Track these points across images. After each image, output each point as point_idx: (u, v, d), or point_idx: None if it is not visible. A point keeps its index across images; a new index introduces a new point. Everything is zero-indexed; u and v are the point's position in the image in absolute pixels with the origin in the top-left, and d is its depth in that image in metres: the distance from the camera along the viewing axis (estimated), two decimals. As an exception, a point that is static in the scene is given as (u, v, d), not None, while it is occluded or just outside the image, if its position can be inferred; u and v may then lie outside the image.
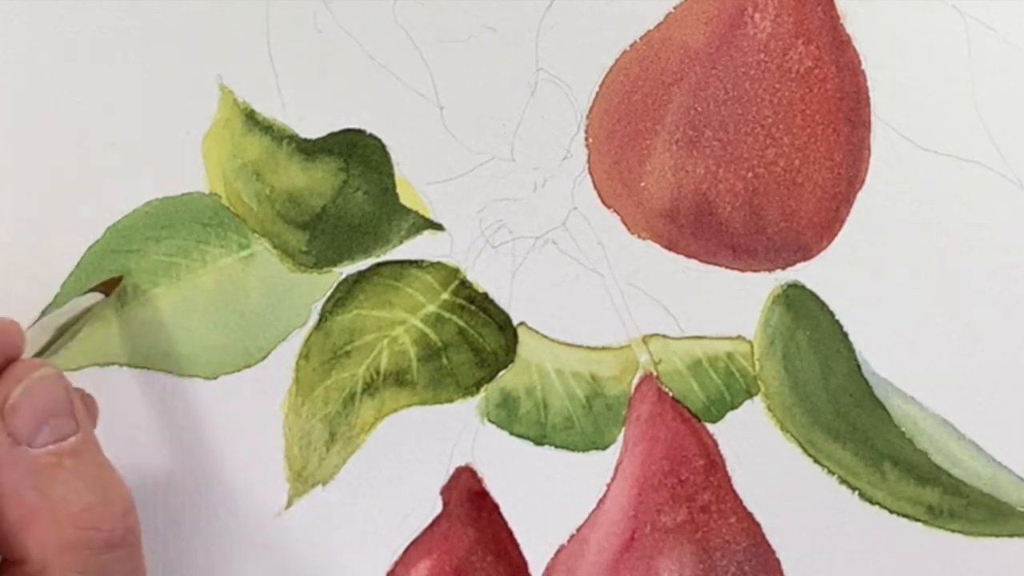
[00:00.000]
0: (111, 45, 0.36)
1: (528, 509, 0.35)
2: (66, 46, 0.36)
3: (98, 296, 0.35)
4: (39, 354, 0.31)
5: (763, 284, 0.35)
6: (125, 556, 0.27)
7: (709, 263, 0.35)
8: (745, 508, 0.35)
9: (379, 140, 0.36)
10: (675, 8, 0.36)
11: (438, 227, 0.36)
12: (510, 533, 0.35)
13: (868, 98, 0.35)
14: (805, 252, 0.35)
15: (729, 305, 0.35)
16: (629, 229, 0.36)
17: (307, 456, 0.35)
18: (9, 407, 0.27)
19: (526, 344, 0.35)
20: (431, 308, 0.36)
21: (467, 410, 0.35)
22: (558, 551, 0.35)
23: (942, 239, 0.35)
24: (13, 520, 0.26)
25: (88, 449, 0.28)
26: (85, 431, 0.28)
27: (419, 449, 0.35)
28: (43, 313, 0.34)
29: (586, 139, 0.36)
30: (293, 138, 0.36)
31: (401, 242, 0.36)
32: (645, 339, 0.35)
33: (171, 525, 0.35)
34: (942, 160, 0.35)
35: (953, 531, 0.35)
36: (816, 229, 0.35)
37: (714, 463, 0.35)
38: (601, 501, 0.35)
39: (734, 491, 0.35)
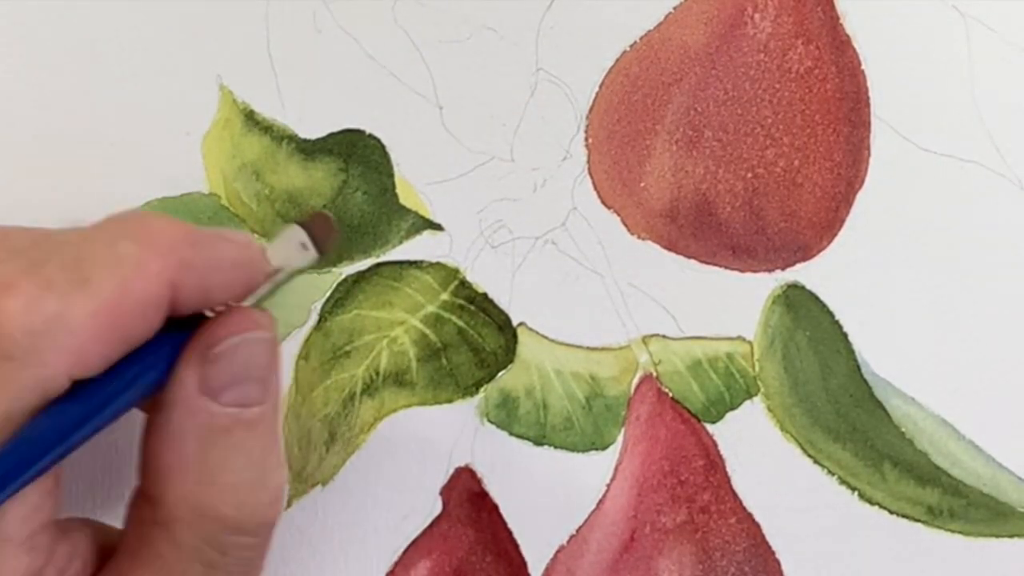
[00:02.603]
0: (111, 45, 0.36)
1: (528, 509, 0.35)
2: (66, 46, 0.36)
3: (312, 256, 0.30)
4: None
5: (763, 284, 0.35)
6: (251, 544, 0.26)
7: (709, 263, 0.35)
8: (745, 508, 0.35)
9: (379, 140, 0.36)
10: (675, 8, 0.36)
11: (438, 227, 0.36)
12: (510, 533, 0.35)
13: (868, 98, 0.35)
14: (805, 252, 0.35)
15: (729, 305, 0.35)
16: (629, 229, 0.36)
17: (307, 456, 0.35)
18: (213, 354, 0.25)
19: (526, 344, 0.35)
20: (431, 308, 0.36)
21: (467, 410, 0.35)
22: (558, 551, 0.35)
23: (942, 239, 0.35)
24: (165, 462, 0.25)
25: (265, 425, 0.26)
26: (271, 406, 0.27)
27: (419, 449, 0.35)
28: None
29: (586, 139, 0.36)
30: (293, 138, 0.36)
31: (401, 242, 0.36)
32: (645, 339, 0.35)
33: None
34: (942, 160, 0.35)
35: (953, 531, 0.35)
36: (816, 229, 0.35)
37: (714, 463, 0.35)
38: (601, 501, 0.35)
39: (734, 491, 0.35)
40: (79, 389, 0.24)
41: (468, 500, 0.35)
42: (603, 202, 0.36)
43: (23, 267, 0.24)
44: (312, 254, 0.30)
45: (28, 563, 0.24)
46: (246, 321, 0.26)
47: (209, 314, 0.27)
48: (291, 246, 0.29)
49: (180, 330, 0.26)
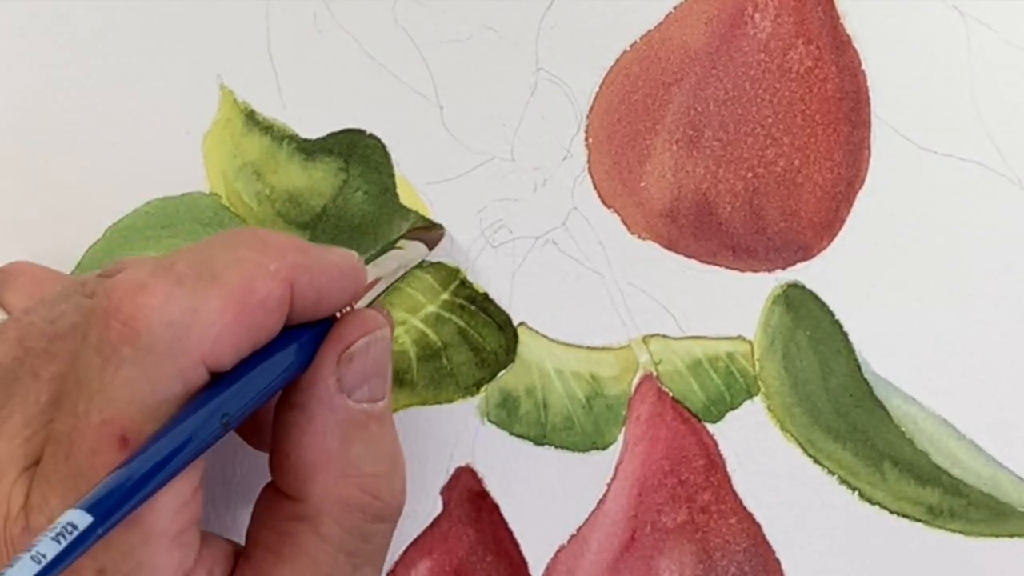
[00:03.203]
0: (111, 45, 0.36)
1: (528, 509, 0.35)
2: (66, 46, 0.36)
3: (423, 250, 0.34)
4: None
5: (763, 284, 0.35)
6: (386, 531, 0.28)
7: (709, 263, 0.35)
8: (745, 508, 0.35)
9: (379, 140, 0.36)
10: (675, 8, 0.36)
11: (438, 227, 0.36)
12: (510, 533, 0.35)
13: (868, 98, 0.35)
14: (805, 252, 0.35)
15: (729, 305, 0.35)
16: (629, 229, 0.36)
17: (307, 456, 0.35)
18: (347, 355, 0.27)
19: (526, 344, 0.35)
20: (431, 308, 0.36)
21: (467, 410, 0.35)
22: (558, 551, 0.35)
23: (942, 239, 0.35)
24: (308, 460, 0.27)
25: (389, 418, 0.28)
26: (389, 400, 0.28)
27: (419, 449, 0.35)
28: (369, 259, 0.33)
29: (586, 139, 0.36)
30: (293, 138, 0.36)
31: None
32: (645, 339, 0.35)
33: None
34: (942, 160, 0.35)
35: (953, 531, 0.35)
36: (816, 229, 0.35)
37: (714, 463, 0.35)
38: (601, 501, 0.35)
39: (734, 491, 0.35)
40: (216, 382, 0.25)
41: (468, 500, 0.35)
42: (603, 202, 0.36)
43: (153, 269, 0.25)
44: (423, 250, 0.34)
45: (180, 559, 0.25)
46: (372, 321, 0.28)
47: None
48: (407, 253, 0.33)
49: (304, 332, 0.27)
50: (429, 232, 0.35)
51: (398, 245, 0.34)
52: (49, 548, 0.21)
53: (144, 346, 0.24)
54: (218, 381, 0.25)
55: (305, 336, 0.27)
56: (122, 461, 0.23)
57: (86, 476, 0.24)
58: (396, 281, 0.33)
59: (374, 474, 0.27)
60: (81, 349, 0.25)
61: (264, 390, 0.26)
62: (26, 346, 0.27)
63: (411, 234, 0.35)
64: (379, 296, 0.32)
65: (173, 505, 0.25)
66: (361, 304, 0.30)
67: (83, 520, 0.21)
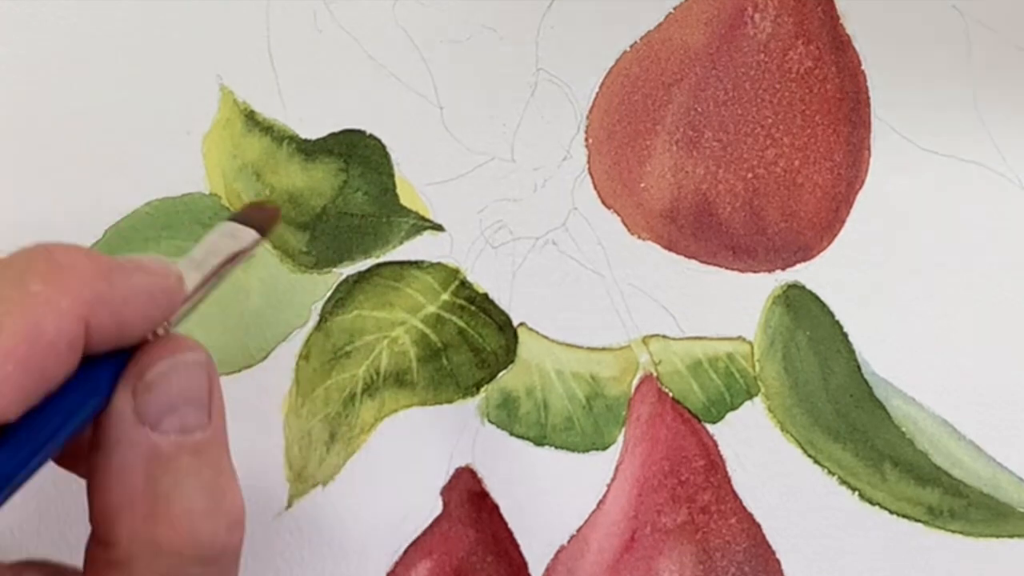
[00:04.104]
0: (111, 45, 0.36)
1: (528, 509, 0.35)
2: (66, 46, 0.36)
3: (253, 236, 0.30)
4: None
5: (763, 284, 0.35)
6: (217, 572, 0.25)
7: (709, 263, 0.35)
8: (745, 508, 0.35)
9: (379, 140, 0.36)
10: (675, 8, 0.36)
11: (438, 227, 0.36)
12: (510, 533, 0.35)
13: (868, 98, 0.35)
14: (805, 252, 0.35)
15: (729, 305, 0.35)
16: (629, 229, 0.36)
17: (307, 456, 0.35)
18: (144, 384, 0.25)
19: (526, 344, 0.35)
20: (431, 309, 0.36)
21: (467, 410, 0.35)
22: (558, 551, 0.35)
23: (942, 239, 0.35)
24: (112, 501, 0.24)
25: (212, 449, 0.25)
26: (215, 429, 0.26)
27: (419, 449, 0.35)
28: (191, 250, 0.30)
29: (586, 139, 0.36)
30: (293, 138, 0.36)
31: (401, 243, 0.36)
32: (645, 339, 0.35)
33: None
34: (942, 160, 0.35)
35: (953, 531, 0.35)
36: (816, 229, 0.35)
37: (714, 463, 0.35)
38: (601, 501, 0.35)
39: (734, 491, 0.35)
40: (3, 435, 0.23)
41: (468, 500, 0.35)
42: (603, 202, 0.36)
43: None
44: (252, 235, 0.29)
45: None
46: (174, 346, 0.25)
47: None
48: (223, 239, 0.29)
49: (104, 364, 0.25)
50: (260, 213, 0.31)
51: (224, 233, 0.29)
52: None
53: None
54: (6, 430, 0.23)
55: (105, 367, 0.25)
56: None
57: None
58: (223, 274, 0.29)
59: (188, 512, 0.24)
60: None
61: (60, 433, 0.24)
62: None
63: (241, 215, 0.30)
64: (202, 297, 0.28)
65: None
66: (185, 309, 0.27)
67: None
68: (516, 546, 0.35)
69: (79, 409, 0.24)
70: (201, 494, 0.25)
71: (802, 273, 0.35)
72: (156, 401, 0.25)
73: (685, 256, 0.35)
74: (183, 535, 0.24)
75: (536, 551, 0.35)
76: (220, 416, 0.26)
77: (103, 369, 0.24)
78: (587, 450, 0.35)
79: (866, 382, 0.35)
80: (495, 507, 0.35)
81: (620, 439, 0.35)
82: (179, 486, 0.24)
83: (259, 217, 0.30)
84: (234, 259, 0.29)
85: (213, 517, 0.25)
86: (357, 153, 0.36)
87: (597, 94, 0.36)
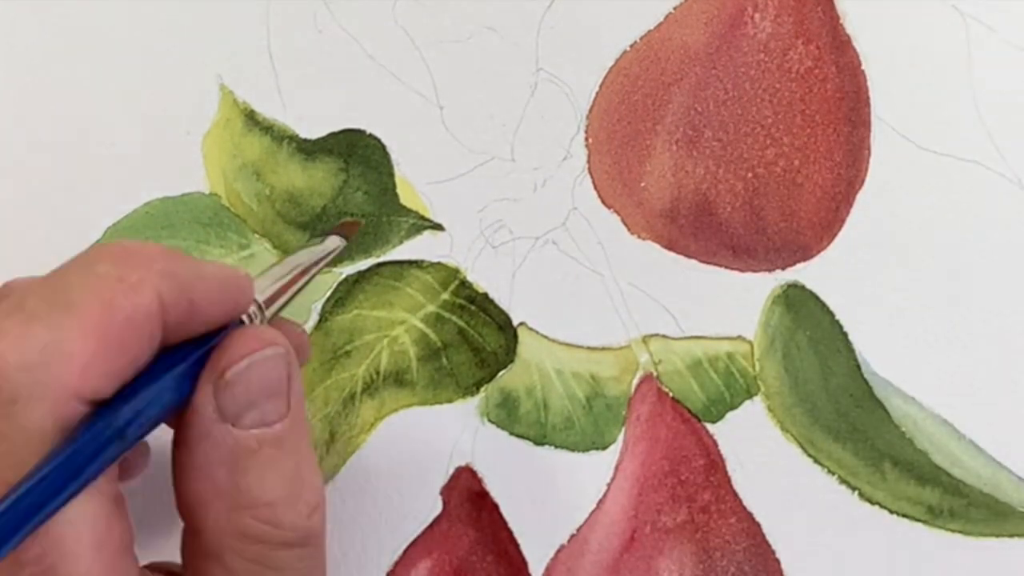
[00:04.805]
0: (111, 45, 0.36)
1: (528, 509, 0.35)
2: (66, 46, 0.36)
3: (339, 241, 0.33)
4: (270, 304, 0.29)
5: (763, 284, 0.35)
6: (304, 555, 0.26)
7: (709, 263, 0.35)
8: (745, 508, 0.35)
9: (379, 140, 0.36)
10: (675, 8, 0.36)
11: (438, 227, 0.36)
12: (510, 533, 0.35)
13: (868, 98, 0.35)
14: (805, 252, 0.35)
15: (729, 305, 0.35)
16: (629, 229, 0.36)
17: (307, 456, 0.35)
18: (224, 382, 0.25)
19: (526, 344, 0.35)
20: (431, 308, 0.36)
21: (467, 410, 0.35)
22: (558, 551, 0.35)
23: (942, 239, 0.35)
24: (197, 493, 0.25)
25: (292, 438, 0.26)
26: (295, 418, 0.26)
27: (419, 449, 0.35)
28: (272, 266, 0.31)
29: (586, 139, 0.36)
30: (293, 138, 0.36)
31: (401, 242, 0.36)
32: (645, 339, 0.35)
33: (171, 524, 0.35)
34: (942, 160, 0.35)
35: (953, 531, 0.35)
36: (816, 229, 0.35)
37: (714, 463, 0.35)
38: (601, 501, 0.35)
39: (734, 491, 0.35)
40: (100, 411, 0.24)
41: (468, 500, 0.35)
42: (603, 202, 0.36)
43: (5, 311, 0.23)
44: (337, 239, 0.32)
45: None
46: (253, 341, 0.26)
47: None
48: (308, 248, 0.31)
49: (185, 357, 0.26)
50: (347, 227, 0.34)
51: (310, 243, 0.33)
52: None
53: (5, 399, 0.22)
54: (105, 407, 0.24)
55: (187, 360, 0.26)
56: None
57: None
58: (309, 279, 0.31)
59: (269, 502, 0.25)
60: None
61: (155, 412, 0.25)
62: None
63: (331, 230, 0.34)
64: (289, 300, 0.30)
65: (87, 543, 0.24)
66: (272, 310, 0.29)
67: None
68: (516, 546, 0.35)
69: (163, 397, 0.25)
70: (282, 484, 0.26)
71: (802, 273, 0.35)
72: (236, 398, 0.25)
73: (685, 256, 0.35)
74: (268, 524, 0.25)
75: (536, 551, 0.35)
76: (299, 402, 0.27)
77: (185, 362, 0.25)
78: (587, 450, 0.35)
79: (866, 382, 0.35)
80: (495, 507, 0.35)
81: (620, 439, 0.35)
82: (261, 478, 0.25)
83: (343, 228, 0.34)
84: (320, 262, 0.31)
85: (294, 505, 0.26)
86: (357, 153, 0.36)
87: (597, 94, 0.36)
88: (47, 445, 0.23)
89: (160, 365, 0.25)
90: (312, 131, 0.36)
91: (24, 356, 0.23)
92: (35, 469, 0.23)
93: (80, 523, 0.23)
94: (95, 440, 0.23)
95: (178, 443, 0.26)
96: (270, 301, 0.29)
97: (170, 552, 0.28)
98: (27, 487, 0.22)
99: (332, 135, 0.36)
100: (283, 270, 0.30)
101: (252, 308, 0.28)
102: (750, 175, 0.35)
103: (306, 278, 0.31)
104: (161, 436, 0.28)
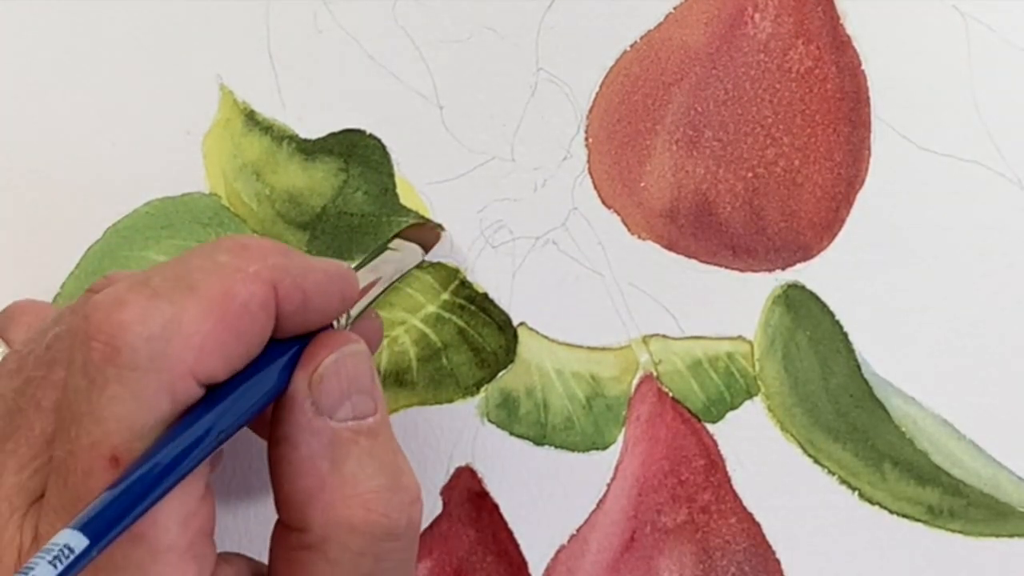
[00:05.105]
0: (111, 45, 0.36)
1: (528, 509, 0.35)
2: (66, 46, 0.36)
3: (420, 254, 0.34)
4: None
5: (763, 284, 0.35)
6: (403, 547, 0.27)
7: (709, 263, 0.35)
8: (745, 508, 0.35)
9: (379, 140, 0.36)
10: (675, 8, 0.36)
11: (438, 227, 0.36)
12: (510, 533, 0.35)
13: (868, 98, 0.35)
14: (805, 252, 0.35)
15: (729, 305, 0.35)
16: (629, 229, 0.36)
17: (307, 456, 0.35)
18: (318, 376, 0.26)
19: (526, 344, 0.35)
20: (431, 308, 0.36)
21: (467, 410, 0.35)
22: (558, 551, 0.35)
23: (942, 239, 0.35)
24: (303, 488, 0.26)
25: (384, 432, 0.27)
26: (382, 414, 0.27)
27: (419, 449, 0.35)
28: (359, 265, 0.33)
29: (586, 139, 0.36)
30: (293, 138, 0.36)
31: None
32: (645, 339, 0.35)
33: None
34: (942, 160, 0.35)
35: (953, 531, 0.35)
36: (816, 229, 0.35)
37: (714, 463, 0.35)
38: (601, 501, 0.35)
39: (734, 491, 0.35)
40: (213, 394, 0.25)
41: (468, 500, 0.35)
42: (603, 202, 0.36)
43: (130, 284, 0.24)
44: (416, 250, 0.34)
45: (196, 571, 0.25)
46: (338, 338, 0.27)
47: None
48: (402, 255, 0.33)
49: (292, 346, 0.27)
50: (424, 231, 0.35)
51: (392, 247, 0.34)
52: (46, 572, 0.20)
53: (126, 364, 0.23)
54: (213, 393, 0.25)
55: (289, 348, 0.27)
56: (114, 480, 0.23)
57: (83, 500, 0.23)
58: (393, 284, 0.33)
59: (374, 489, 0.26)
60: (69, 373, 0.25)
61: (255, 403, 0.26)
62: (26, 376, 0.27)
63: (407, 233, 0.35)
64: (374, 301, 0.31)
65: (176, 518, 0.24)
66: (356, 310, 0.30)
67: (78, 541, 0.21)
68: (516, 546, 0.35)
69: (273, 383, 0.26)
70: (383, 473, 0.26)
71: (802, 273, 0.35)
72: (331, 391, 0.26)
73: (685, 256, 0.35)
74: (374, 513, 0.26)
75: (536, 551, 0.35)
76: (383, 402, 0.28)
77: (285, 355, 0.26)
78: (587, 450, 0.35)
79: (866, 382, 0.35)
80: (495, 507, 0.35)
81: (620, 439, 0.35)
82: (363, 468, 0.26)
83: (422, 235, 0.35)
84: (399, 273, 0.33)
85: (397, 493, 0.26)
86: (357, 153, 0.36)
87: (597, 94, 0.36)
88: (159, 417, 0.24)
89: (264, 358, 0.26)
90: (312, 131, 0.36)
91: (147, 328, 0.24)
92: (148, 452, 0.23)
93: (173, 498, 0.24)
94: (204, 425, 0.24)
95: (276, 441, 0.27)
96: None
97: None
98: (141, 471, 0.23)
99: (332, 135, 0.36)
100: (365, 277, 0.31)
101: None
102: (750, 175, 0.35)
103: (384, 286, 0.32)
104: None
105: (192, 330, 0.24)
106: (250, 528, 0.35)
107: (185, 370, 0.24)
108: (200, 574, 0.25)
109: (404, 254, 0.34)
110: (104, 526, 0.22)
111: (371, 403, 0.27)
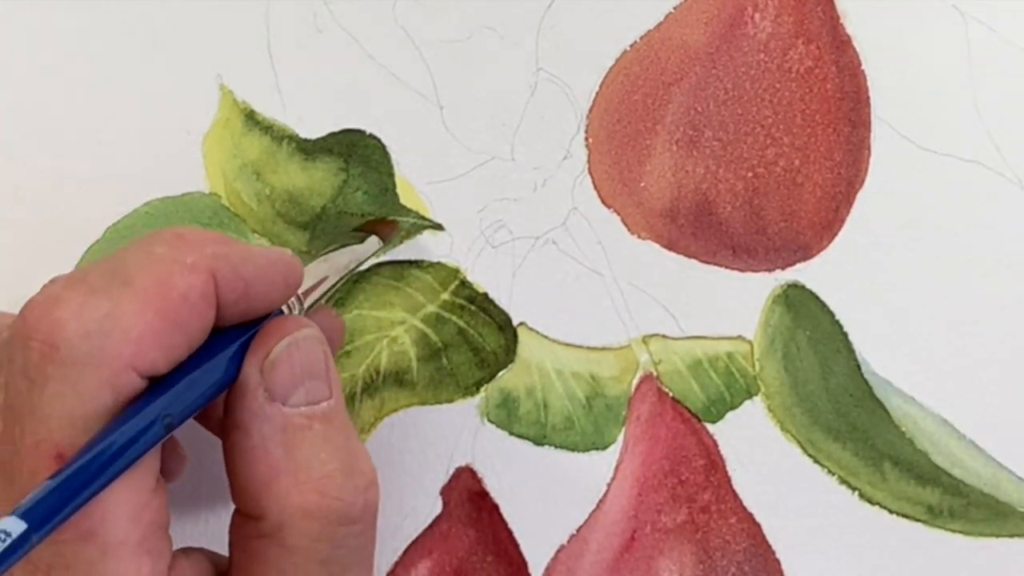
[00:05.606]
0: (111, 45, 0.36)
1: (528, 509, 0.35)
2: (66, 46, 0.36)
3: (377, 243, 0.34)
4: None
5: (763, 284, 0.35)
6: (360, 531, 0.27)
7: (709, 263, 0.35)
8: (745, 508, 0.35)
9: (379, 140, 0.36)
10: (675, 8, 0.36)
11: (438, 227, 0.36)
12: (510, 533, 0.35)
13: (868, 98, 0.35)
14: (805, 252, 0.35)
15: (729, 305, 0.35)
16: (629, 229, 0.36)
17: (307, 456, 0.35)
18: (269, 362, 0.26)
19: (526, 344, 0.35)
20: (431, 308, 0.36)
21: (467, 410, 0.35)
22: (558, 551, 0.35)
23: (942, 239, 0.35)
24: (257, 475, 0.26)
25: (338, 417, 0.27)
26: (337, 399, 0.27)
27: (419, 449, 0.35)
28: (314, 256, 0.33)
29: (586, 139, 0.36)
30: (293, 138, 0.36)
31: (401, 242, 0.36)
32: (645, 339, 0.35)
33: (172, 524, 0.35)
34: (942, 160, 0.35)
35: (953, 531, 0.35)
36: (816, 229, 0.35)
37: (714, 463, 0.35)
38: (601, 501, 0.35)
39: (734, 491, 0.35)
40: (157, 386, 0.25)
41: (468, 500, 0.35)
42: (603, 202, 0.36)
43: (66, 282, 0.25)
44: (374, 240, 0.33)
45: (150, 567, 0.25)
46: (290, 324, 0.27)
47: None
48: (360, 247, 0.33)
49: (231, 341, 0.27)
50: (383, 225, 0.35)
51: (350, 241, 0.33)
52: None
53: (65, 360, 0.24)
54: (157, 385, 0.25)
55: (238, 336, 0.27)
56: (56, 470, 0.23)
57: None
58: (350, 273, 0.33)
59: (328, 474, 0.26)
60: (9, 374, 0.25)
61: (203, 392, 0.26)
62: None
63: (366, 227, 0.34)
64: (330, 291, 0.31)
65: (126, 512, 0.24)
66: (309, 301, 0.30)
67: (16, 526, 0.21)
68: (516, 546, 0.35)
69: (213, 378, 0.26)
70: (337, 457, 0.26)
71: (802, 273, 0.35)
72: (282, 377, 0.26)
73: (685, 256, 0.35)
74: (328, 497, 0.26)
75: (536, 551, 0.35)
76: (338, 386, 0.28)
77: (233, 344, 0.26)
78: (587, 450, 0.35)
79: (866, 382, 0.35)
80: (495, 507, 0.35)
81: (620, 439, 0.35)
82: (317, 453, 0.26)
83: (379, 228, 0.34)
84: (356, 261, 0.33)
85: (351, 477, 0.26)
86: (357, 153, 0.36)
87: (597, 94, 0.36)
88: (101, 411, 0.24)
89: (210, 347, 0.26)
90: (312, 131, 0.36)
91: (84, 324, 0.24)
92: (91, 442, 0.23)
93: (122, 491, 0.24)
94: (149, 415, 0.24)
95: (230, 428, 0.27)
96: (306, 295, 0.30)
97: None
98: (83, 460, 0.23)
99: (332, 135, 0.36)
100: (320, 268, 0.31)
101: (291, 300, 0.29)
102: (750, 175, 0.35)
103: (342, 276, 0.32)
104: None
105: (130, 323, 0.24)
106: (210, 522, 0.35)
107: (125, 363, 0.24)
108: (155, 568, 0.25)
109: (365, 246, 0.33)
110: (43, 512, 0.22)
111: (325, 388, 0.27)
